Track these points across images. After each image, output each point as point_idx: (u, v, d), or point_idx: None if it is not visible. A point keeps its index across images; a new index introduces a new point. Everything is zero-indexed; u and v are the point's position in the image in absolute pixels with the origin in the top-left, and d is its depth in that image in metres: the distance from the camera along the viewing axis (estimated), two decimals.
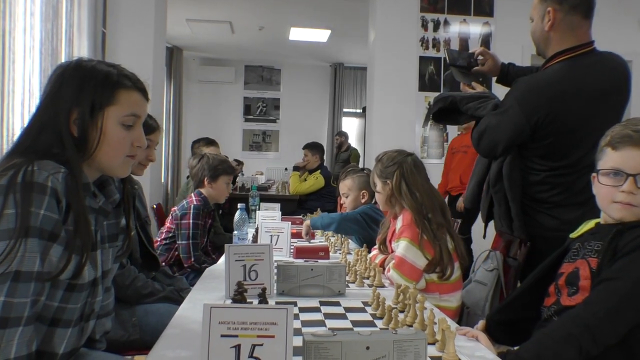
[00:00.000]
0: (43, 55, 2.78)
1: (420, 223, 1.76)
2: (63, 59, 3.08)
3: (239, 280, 1.35)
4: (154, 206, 3.31)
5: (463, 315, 1.87)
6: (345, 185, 2.80)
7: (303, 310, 1.42)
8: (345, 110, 8.99)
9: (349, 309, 1.44)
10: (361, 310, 1.44)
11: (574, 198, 1.78)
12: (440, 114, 2.01)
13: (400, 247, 1.77)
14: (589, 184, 1.39)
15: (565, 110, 1.72)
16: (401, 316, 1.31)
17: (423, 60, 4.71)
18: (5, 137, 2.38)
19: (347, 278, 1.79)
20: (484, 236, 2.16)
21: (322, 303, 1.49)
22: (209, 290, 1.64)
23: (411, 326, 1.27)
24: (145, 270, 1.95)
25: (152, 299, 1.80)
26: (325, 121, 9.02)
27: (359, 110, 9.00)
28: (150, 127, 1.91)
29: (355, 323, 1.32)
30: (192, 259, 2.50)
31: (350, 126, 8.89)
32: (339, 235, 2.69)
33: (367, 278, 1.83)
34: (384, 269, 1.86)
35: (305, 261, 1.89)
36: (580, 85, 1.74)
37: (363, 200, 2.76)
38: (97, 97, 1.09)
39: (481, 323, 1.42)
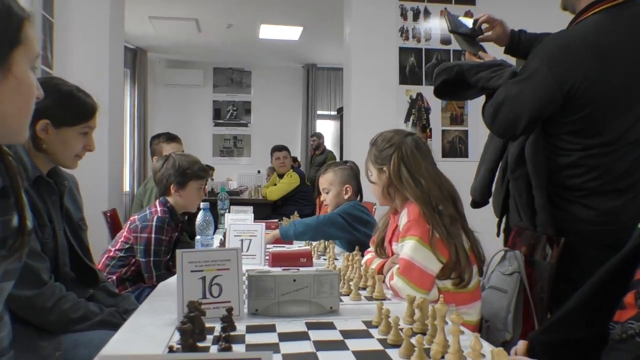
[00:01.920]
0: None
1: (430, 217, 1.39)
2: None
3: (190, 300, 0.97)
4: (107, 213, 2.87)
5: (482, 331, 1.51)
6: (326, 180, 2.43)
7: (285, 337, 1.03)
8: (319, 112, 8.69)
9: (347, 334, 1.06)
10: (365, 334, 1.06)
11: (613, 183, 1.45)
12: (445, 89, 1.65)
13: (407, 247, 1.39)
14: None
15: (606, 72, 1.39)
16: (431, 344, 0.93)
17: (403, 51, 4.39)
18: None
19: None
20: (498, 234, 1.81)
21: (310, 326, 1.11)
22: (158, 312, 1.24)
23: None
24: (80, 288, 1.53)
25: (85, 324, 1.38)
26: (299, 124, 8.70)
27: (333, 113, 8.71)
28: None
29: (362, 356, 0.94)
30: (154, 279, 2.07)
31: (325, 129, 8.55)
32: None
33: (364, 289, 1.45)
34: (384, 276, 1.48)
35: (283, 269, 1.51)
36: (625, 41, 1.41)
37: (346, 197, 2.39)
38: None
39: (522, 345, 1.06)
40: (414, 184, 1.46)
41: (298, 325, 1.11)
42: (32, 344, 1.32)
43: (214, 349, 0.96)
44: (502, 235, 1.80)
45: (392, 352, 0.95)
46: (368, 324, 1.12)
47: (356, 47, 4.44)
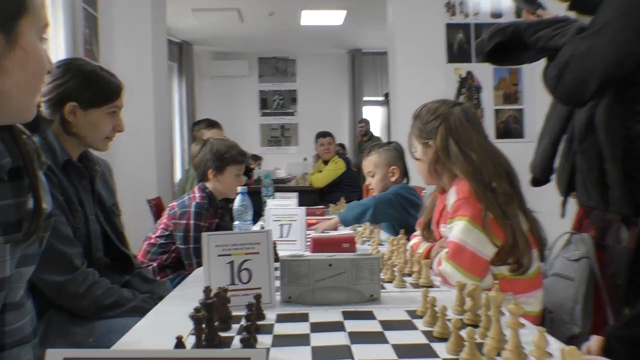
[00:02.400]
0: None
1: (483, 195, 1.24)
2: None
3: (207, 286, 0.88)
4: (152, 201, 2.86)
5: (545, 323, 1.35)
6: (371, 162, 2.30)
7: (317, 327, 0.93)
8: (365, 98, 8.50)
9: (388, 324, 0.94)
10: (407, 325, 0.94)
11: None
12: (498, 52, 1.48)
13: (457, 229, 1.25)
14: None
15: None
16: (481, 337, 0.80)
17: (451, 28, 4.17)
18: None
19: (382, 276, 1.30)
20: (563, 214, 1.62)
21: (347, 315, 1.00)
22: (187, 298, 1.16)
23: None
24: (115, 274, 1.48)
25: (118, 310, 1.33)
26: (346, 111, 8.56)
27: (380, 98, 8.48)
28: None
29: (402, 350, 0.82)
30: (195, 266, 2.03)
31: (372, 115, 8.37)
32: (367, 223, 2.20)
33: (410, 275, 1.32)
34: (431, 261, 1.34)
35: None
36: None
37: (393, 179, 2.25)
38: None
39: (597, 341, 0.91)
40: (463, 158, 1.31)
41: (334, 315, 1.00)
42: (65, 330, 1.29)
43: (237, 339, 0.86)
44: (567, 216, 1.62)
45: (438, 347, 0.82)
46: (412, 313, 1.00)
47: (400, 26, 4.27)
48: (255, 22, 6.78)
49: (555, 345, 0.82)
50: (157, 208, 2.87)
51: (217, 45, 8.16)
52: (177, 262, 2.12)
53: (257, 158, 7.69)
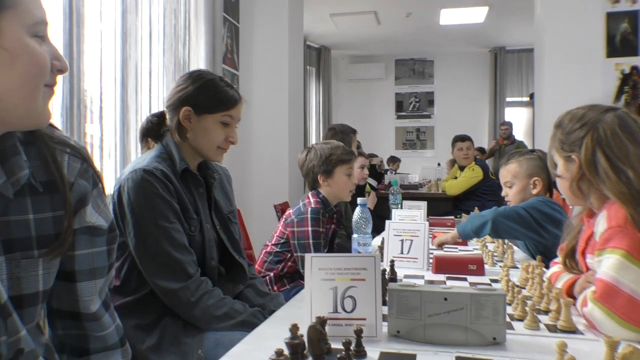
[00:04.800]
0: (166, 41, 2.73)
1: None
2: (182, 53, 2.96)
3: (318, 316, 0.81)
4: (278, 206, 2.92)
5: None
6: (509, 172, 2.06)
7: None
8: (508, 99, 7.93)
9: None
10: None
11: None
12: None
13: (608, 264, 1.02)
14: None
15: None
16: None
17: (612, 17, 3.65)
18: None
19: (510, 310, 1.12)
20: None
21: None
22: (289, 321, 1.10)
23: None
24: (229, 283, 1.49)
25: (227, 323, 1.32)
26: (486, 113, 8.07)
27: (525, 99, 7.84)
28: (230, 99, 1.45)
29: None
30: None
31: (515, 117, 7.75)
32: (501, 239, 1.98)
33: (546, 313, 1.12)
34: (574, 298, 1.13)
35: (447, 277, 1.25)
36: None
37: (534, 191, 2.00)
38: None
39: None
40: (616, 176, 1.07)
41: (445, 358, 0.86)
42: (177, 339, 1.31)
43: None
44: None
45: None
46: None
47: (550, 19, 3.86)
48: (392, 24, 6.71)
49: None
50: (282, 213, 2.91)
51: (354, 49, 8.25)
52: (293, 271, 2.09)
53: (395, 160, 7.57)
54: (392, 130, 8.70)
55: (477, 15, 6.17)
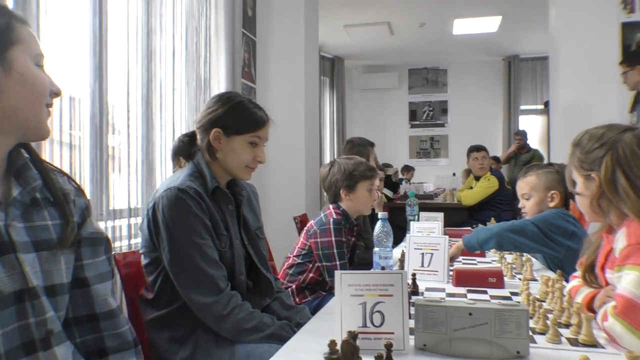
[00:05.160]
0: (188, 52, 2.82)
1: None
2: (203, 70, 3.04)
3: (349, 330, 0.85)
4: (297, 218, 2.97)
5: None
6: (527, 184, 2.09)
7: None
8: (522, 107, 7.92)
9: None
10: None
11: None
12: None
13: (628, 280, 1.06)
14: None
15: None
16: None
17: (627, 27, 3.67)
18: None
19: (532, 324, 1.16)
20: None
21: None
22: (319, 334, 1.15)
23: None
24: (256, 297, 1.55)
25: (256, 336, 1.37)
26: (500, 121, 8.06)
27: (539, 107, 7.83)
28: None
29: None
30: None
31: (530, 125, 7.75)
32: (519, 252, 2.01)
33: (567, 326, 1.16)
34: (593, 312, 1.16)
35: (468, 290, 1.29)
36: None
37: (551, 204, 2.03)
38: None
39: None
40: (635, 195, 1.11)
41: None
42: (210, 351, 1.37)
43: None
44: None
45: None
46: None
47: (564, 28, 3.90)
48: (405, 34, 6.76)
49: None
50: (302, 225, 2.96)
51: (367, 59, 8.31)
52: (315, 282, 2.14)
53: (409, 169, 7.60)
54: (405, 139, 8.72)
55: (490, 24, 6.20)
